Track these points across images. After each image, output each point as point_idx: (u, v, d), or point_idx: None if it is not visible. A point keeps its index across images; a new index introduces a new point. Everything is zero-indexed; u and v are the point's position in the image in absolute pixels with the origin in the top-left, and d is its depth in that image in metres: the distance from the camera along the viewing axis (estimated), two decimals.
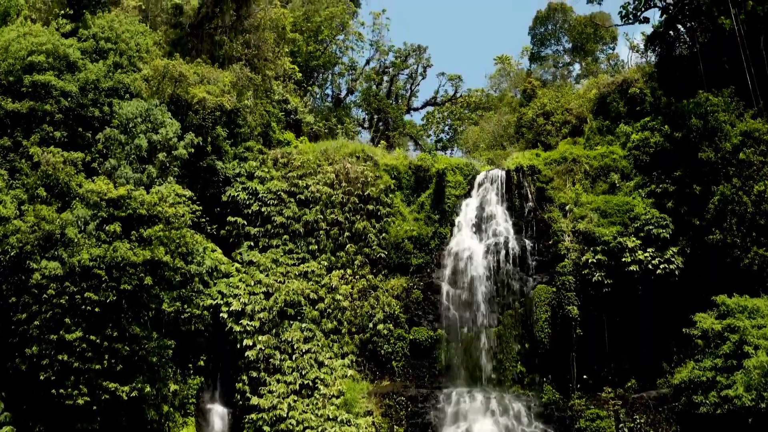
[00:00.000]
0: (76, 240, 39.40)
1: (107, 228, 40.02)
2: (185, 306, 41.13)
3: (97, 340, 38.38)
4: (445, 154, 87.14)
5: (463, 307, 45.81)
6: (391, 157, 50.94)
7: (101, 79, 46.40)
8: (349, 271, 46.17)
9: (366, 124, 78.36)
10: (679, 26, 53.77)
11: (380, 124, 76.79)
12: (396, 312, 45.32)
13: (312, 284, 45.03)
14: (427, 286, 46.45)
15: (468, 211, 48.86)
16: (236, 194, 47.66)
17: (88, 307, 38.39)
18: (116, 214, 40.62)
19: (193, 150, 45.29)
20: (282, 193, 48.00)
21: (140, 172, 42.64)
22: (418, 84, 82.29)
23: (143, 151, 42.91)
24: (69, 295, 38.48)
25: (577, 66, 79.07)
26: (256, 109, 51.59)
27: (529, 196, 49.02)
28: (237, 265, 45.75)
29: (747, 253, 43.85)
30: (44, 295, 38.29)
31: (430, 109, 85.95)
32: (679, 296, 44.80)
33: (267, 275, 45.07)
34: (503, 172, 49.45)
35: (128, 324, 39.42)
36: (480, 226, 48.27)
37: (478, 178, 50.15)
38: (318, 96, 65.42)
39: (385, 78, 79.17)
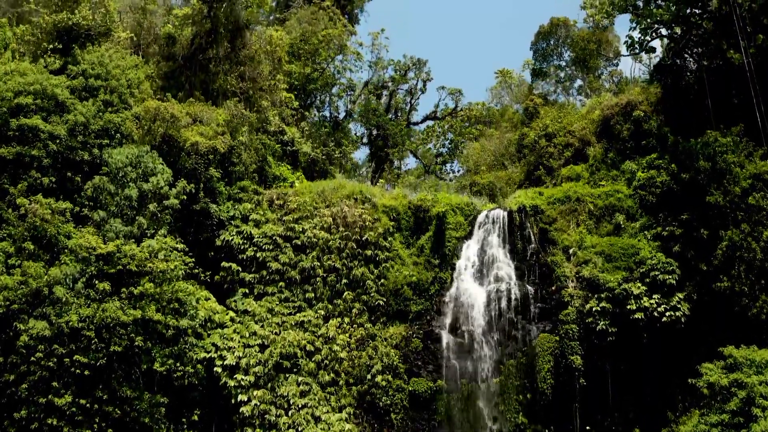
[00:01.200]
0: (64, 299, 38.30)
1: (97, 285, 38.87)
2: (178, 364, 40.03)
3: (87, 404, 37.47)
4: (445, 168, 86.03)
5: (464, 357, 44.65)
6: (390, 196, 49.61)
7: (90, 120, 45.33)
8: (346, 319, 44.96)
9: (365, 139, 77.03)
10: (686, 56, 52.20)
11: (379, 139, 75.40)
12: (395, 362, 44.14)
13: (308, 335, 43.82)
14: (427, 335, 45.25)
15: (469, 253, 47.58)
16: (230, 238, 46.41)
17: (78, 370, 37.59)
18: (106, 270, 39.52)
19: (185, 197, 44.06)
20: (278, 238, 46.72)
21: (130, 223, 41.47)
22: (418, 98, 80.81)
23: (133, 201, 41.71)
24: (58, 357, 37.60)
25: (579, 81, 77.39)
26: (251, 144, 50.26)
27: (532, 237, 47.75)
28: (231, 313, 44.54)
29: (755, 302, 42.76)
30: (33, 357, 37.34)
31: (430, 123, 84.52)
32: (685, 344, 43.77)
33: (262, 326, 43.88)
34: (505, 213, 48.15)
35: (119, 385, 38.50)
36: (481, 270, 47.02)
37: (480, 218, 48.85)
38: (315, 118, 63.80)
39: (384, 93, 77.61)
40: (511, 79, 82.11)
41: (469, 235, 48.65)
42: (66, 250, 40.19)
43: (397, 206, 48.74)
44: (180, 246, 42.18)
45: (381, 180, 51.81)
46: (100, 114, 46.04)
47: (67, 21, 48.96)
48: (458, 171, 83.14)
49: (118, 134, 45.93)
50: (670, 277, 44.50)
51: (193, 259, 43.47)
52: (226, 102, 49.68)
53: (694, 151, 46.54)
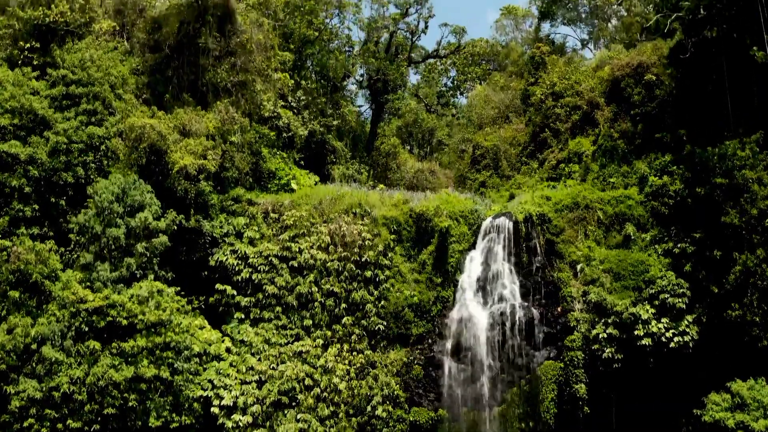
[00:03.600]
0: (53, 359, 36.98)
1: (87, 342, 37.49)
2: (174, 414, 39.08)
3: None
4: (448, 107, 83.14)
5: (466, 384, 43.70)
6: (391, 203, 47.35)
7: (73, 135, 42.78)
8: (345, 346, 43.69)
9: (364, 83, 73.84)
10: (707, 48, 48.83)
11: (379, 83, 72.33)
12: (395, 391, 43.16)
13: (307, 366, 42.62)
14: (429, 361, 44.13)
15: (472, 267, 45.88)
16: (224, 259, 44.61)
17: None
18: (95, 323, 38.02)
19: (175, 228, 42.15)
20: (273, 258, 44.91)
21: (119, 263, 39.63)
22: (419, 37, 77.06)
23: (121, 241, 39.76)
24: (51, 421, 36.70)
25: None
26: (244, 141, 47.77)
27: (538, 249, 45.99)
28: (227, 342, 43.24)
29: (767, 333, 41.38)
30: (25, 423, 36.38)
31: (431, 61, 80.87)
32: (692, 370, 42.93)
33: (259, 359, 42.67)
34: (511, 223, 46.10)
35: None
36: (485, 287, 45.46)
37: (484, 226, 46.88)
38: (312, 84, 60.60)
39: (385, 33, 73.82)
40: (517, 15, 78.14)
41: (473, 246, 46.84)
42: (53, 299, 38.60)
43: (398, 216, 46.65)
44: (171, 291, 40.47)
45: (381, 185, 49.36)
46: (83, 128, 43.51)
47: (43, 18, 45.60)
48: (461, 107, 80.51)
49: (102, 153, 43.54)
50: (680, 300, 43.19)
51: (187, 298, 42.13)
52: (217, 104, 46.75)
53: (711, 164, 44.18)
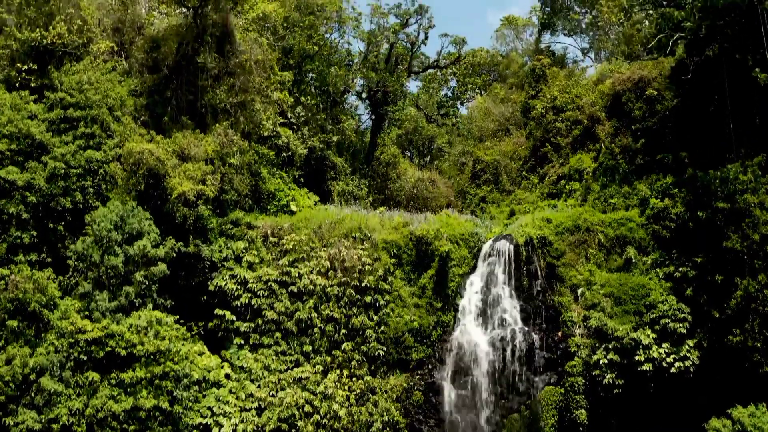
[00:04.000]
0: (52, 390, 36.81)
1: (86, 374, 37.34)
2: None
3: None
4: (448, 117, 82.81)
5: (466, 410, 43.54)
6: (390, 226, 47.11)
7: (71, 160, 42.56)
8: (345, 372, 43.49)
9: (364, 94, 73.49)
10: (708, 67, 48.56)
11: (379, 93, 72.01)
12: (395, 417, 42.98)
13: (307, 393, 42.40)
14: (429, 387, 43.94)
15: (472, 291, 45.74)
16: (224, 284, 44.39)
17: None
18: (94, 353, 37.81)
19: (174, 255, 42.00)
20: (273, 284, 44.69)
21: (118, 292, 39.45)
22: (419, 48, 76.68)
23: (119, 270, 39.55)
24: None
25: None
26: (242, 162, 47.56)
27: (539, 273, 45.82)
28: (227, 368, 43.03)
29: None
30: None
31: (431, 71, 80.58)
32: (693, 395, 42.64)
33: (259, 386, 42.47)
34: (511, 246, 45.91)
35: None
36: (485, 311, 45.30)
37: (485, 249, 46.71)
38: (310, 101, 60.31)
39: (385, 44, 73.44)
40: (518, 24, 77.83)
41: (473, 270, 46.66)
42: (51, 328, 38.43)
43: (398, 240, 46.42)
44: (170, 320, 40.30)
45: (381, 208, 49.14)
46: (81, 152, 43.33)
47: (41, 39, 45.34)
48: (461, 117, 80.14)
49: (101, 177, 43.38)
50: (681, 325, 43.03)
51: (186, 325, 41.98)
52: (216, 126, 46.49)
53: (713, 188, 43.96)
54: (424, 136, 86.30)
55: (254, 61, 48.24)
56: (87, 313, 38.83)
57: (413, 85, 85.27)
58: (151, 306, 40.32)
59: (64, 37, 45.74)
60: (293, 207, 49.19)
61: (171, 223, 43.37)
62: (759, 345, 41.32)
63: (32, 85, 45.28)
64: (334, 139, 60.08)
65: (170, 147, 43.99)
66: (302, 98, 58.65)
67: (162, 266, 40.61)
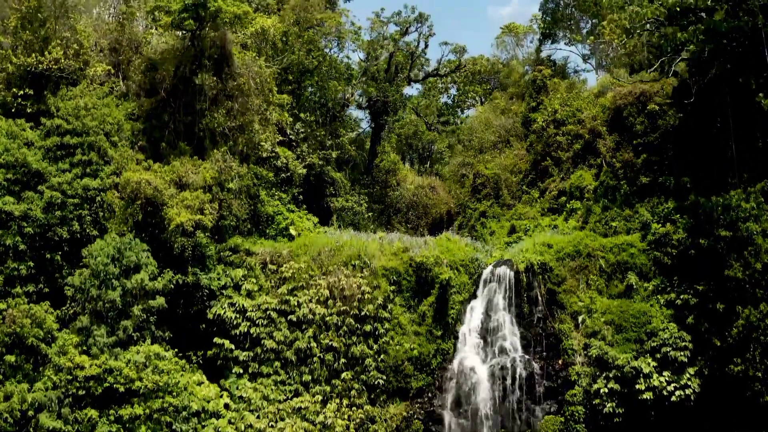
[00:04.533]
0: (50, 427, 36.67)
1: (84, 410, 37.22)
2: None
3: None
4: (448, 124, 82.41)
5: None
6: (390, 252, 46.74)
7: (67, 189, 42.32)
8: (345, 401, 43.25)
9: (364, 104, 73.05)
10: (711, 89, 48.19)
11: (379, 103, 71.65)
12: None
13: (306, 424, 42.23)
14: (428, 416, 43.68)
15: (473, 318, 45.48)
16: (222, 312, 44.08)
17: None
18: (92, 389, 37.68)
19: (172, 287, 41.81)
20: (272, 312, 44.40)
21: (116, 325, 39.29)
22: (419, 57, 76.09)
23: (117, 304, 39.35)
24: None
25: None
26: (241, 187, 47.26)
27: (540, 299, 45.59)
28: (226, 397, 42.74)
29: None
30: None
31: (432, 79, 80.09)
32: (694, 423, 42.47)
33: (258, 416, 42.25)
34: (512, 273, 45.64)
35: None
36: (486, 338, 45.06)
37: (485, 275, 46.43)
38: (309, 117, 59.95)
39: (384, 53, 72.97)
40: (518, 32, 77.29)
41: (473, 296, 46.40)
42: (49, 361, 38.31)
43: (398, 267, 46.06)
44: (170, 354, 40.18)
45: (381, 234, 48.77)
46: (78, 179, 43.08)
47: (37, 65, 44.97)
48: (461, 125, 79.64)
49: (98, 205, 43.15)
50: (682, 354, 42.89)
51: (185, 354, 41.94)
52: (214, 152, 46.14)
53: (715, 216, 43.69)
54: (424, 141, 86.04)
55: (253, 82, 47.72)
56: (85, 347, 38.71)
57: (414, 89, 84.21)
58: (149, 340, 40.17)
59: (61, 62, 45.47)
60: (292, 231, 48.92)
61: (169, 252, 43.12)
62: (760, 375, 41.25)
63: (28, 110, 45.03)
64: (334, 155, 59.69)
65: (167, 176, 43.66)
66: (301, 114, 58.27)
67: (160, 300, 40.46)
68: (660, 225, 46.63)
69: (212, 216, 43.68)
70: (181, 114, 47.52)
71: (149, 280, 40.32)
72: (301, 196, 54.91)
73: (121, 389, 37.86)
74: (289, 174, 52.60)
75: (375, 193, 73.03)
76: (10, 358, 38.02)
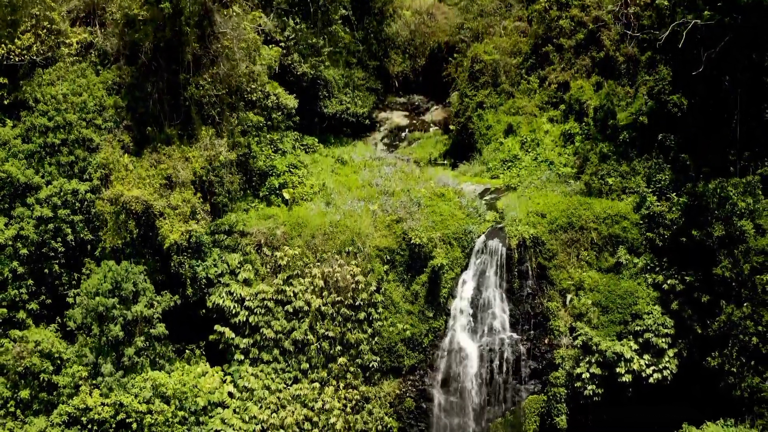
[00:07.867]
0: None
1: None
2: None
3: None
4: None
5: (455, 414, 46.50)
6: (383, 226, 46.72)
7: (57, 201, 42.21)
8: (341, 383, 45.81)
9: None
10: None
11: None
12: (389, 424, 46.06)
13: (306, 410, 45.10)
14: (420, 393, 46.49)
15: (464, 292, 46.68)
16: (221, 301, 45.25)
17: None
18: (106, 426, 40.28)
19: (173, 305, 42.92)
20: (269, 302, 45.55)
21: (121, 356, 40.97)
22: None
23: (120, 336, 40.71)
24: None
25: None
26: (232, 159, 46.45)
27: (530, 274, 46.58)
28: (229, 386, 45.07)
29: (741, 383, 43.21)
30: None
31: None
32: (669, 402, 45.27)
33: (260, 407, 44.92)
34: (504, 249, 46.21)
35: None
36: (476, 315, 46.61)
37: (477, 245, 46.98)
38: (300, 24, 56.30)
39: None
40: None
41: (465, 268, 47.28)
42: (61, 395, 40.45)
43: (391, 245, 46.48)
44: (171, 382, 41.94)
45: (375, 207, 47.51)
46: (66, 183, 42.65)
47: (8, 54, 42.39)
48: None
49: (88, 207, 42.99)
50: (664, 340, 44.74)
51: (188, 348, 44.63)
52: (202, 134, 44.67)
53: (711, 207, 43.47)
54: None
55: (239, 45, 45.01)
56: (94, 382, 40.55)
57: None
58: (148, 366, 41.74)
59: (32, 50, 42.84)
60: (285, 194, 48.51)
61: (165, 261, 43.66)
62: (735, 370, 43.19)
63: (5, 102, 43.17)
64: (326, 50, 57.01)
65: (156, 181, 42.83)
66: (290, 22, 54.94)
67: (160, 328, 41.89)
68: (654, 197, 46.27)
69: (205, 222, 43.64)
70: (164, 83, 45.33)
71: (147, 308, 41.28)
72: (296, 119, 53.44)
73: (134, 426, 40.31)
74: (283, 111, 50.85)
75: (371, 29, 70.66)
76: (25, 394, 40.16)
